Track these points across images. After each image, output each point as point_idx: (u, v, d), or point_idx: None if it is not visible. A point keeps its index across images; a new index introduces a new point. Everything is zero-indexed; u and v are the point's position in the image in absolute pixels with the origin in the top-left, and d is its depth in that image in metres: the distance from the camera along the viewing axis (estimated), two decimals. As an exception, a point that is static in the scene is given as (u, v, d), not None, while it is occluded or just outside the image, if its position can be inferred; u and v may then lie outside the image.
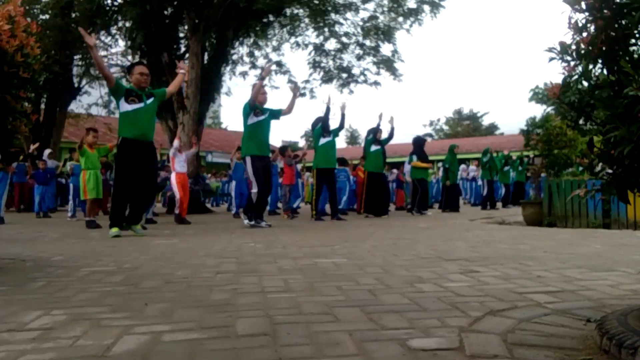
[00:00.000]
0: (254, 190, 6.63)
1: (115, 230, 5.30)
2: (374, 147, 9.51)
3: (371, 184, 9.43)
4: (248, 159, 6.65)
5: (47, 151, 12.22)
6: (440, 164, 22.37)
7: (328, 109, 8.58)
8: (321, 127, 8.56)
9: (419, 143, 11.06)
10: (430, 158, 11.62)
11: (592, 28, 1.58)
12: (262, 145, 6.73)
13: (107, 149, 7.58)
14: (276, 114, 6.91)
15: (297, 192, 11.73)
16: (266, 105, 6.87)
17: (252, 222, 6.61)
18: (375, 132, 9.65)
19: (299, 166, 11.93)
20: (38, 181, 10.47)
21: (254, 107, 6.65)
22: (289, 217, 9.30)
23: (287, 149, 10.81)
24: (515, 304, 2.02)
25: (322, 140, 8.57)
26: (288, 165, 10.20)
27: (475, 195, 17.18)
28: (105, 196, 11.81)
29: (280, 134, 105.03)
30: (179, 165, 8.27)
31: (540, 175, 10.02)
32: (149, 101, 5.47)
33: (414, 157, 10.70)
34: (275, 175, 11.40)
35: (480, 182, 15.29)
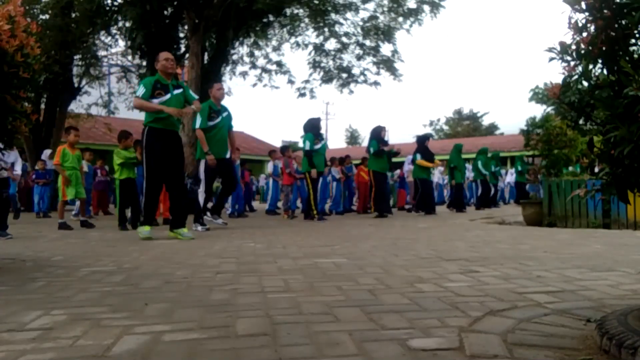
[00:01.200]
0: (202, 189, 6.37)
1: (147, 228, 5.06)
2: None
3: (379, 183, 9.44)
4: (203, 162, 6.37)
5: (47, 151, 12.21)
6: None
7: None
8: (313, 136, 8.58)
9: (422, 141, 11.03)
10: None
11: (592, 28, 1.58)
12: (219, 148, 6.40)
13: (80, 156, 7.34)
14: (230, 119, 6.64)
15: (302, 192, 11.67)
16: (224, 103, 6.63)
17: (206, 227, 6.15)
18: (378, 132, 9.63)
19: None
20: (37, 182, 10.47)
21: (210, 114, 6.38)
22: (289, 217, 9.31)
23: (288, 149, 10.79)
24: (515, 304, 2.02)
25: (316, 146, 8.61)
26: (286, 165, 10.16)
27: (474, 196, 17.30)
28: (106, 197, 11.84)
29: (280, 134, 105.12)
30: None
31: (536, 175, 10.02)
32: (176, 92, 5.25)
33: (418, 156, 10.66)
34: (275, 176, 11.41)
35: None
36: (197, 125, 6.30)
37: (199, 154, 6.49)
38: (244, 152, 16.39)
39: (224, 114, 6.49)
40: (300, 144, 9.41)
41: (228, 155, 6.58)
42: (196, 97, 5.62)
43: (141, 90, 5.17)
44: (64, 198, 6.93)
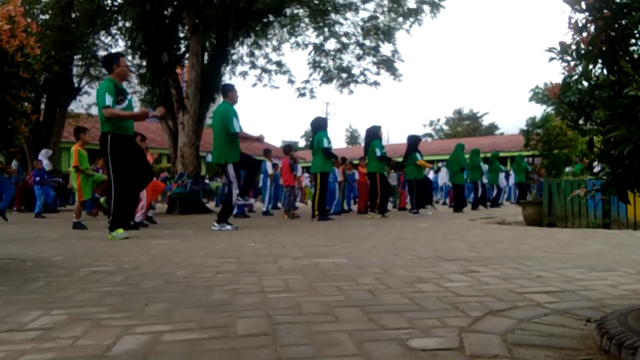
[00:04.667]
0: (236, 191, 6.41)
1: (120, 231, 5.13)
2: (384, 148, 9.45)
3: (384, 184, 9.43)
4: (231, 165, 6.35)
5: (49, 151, 12.20)
6: (440, 164, 22.29)
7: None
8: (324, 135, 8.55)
9: (415, 141, 10.95)
10: (432, 158, 11.59)
11: (592, 28, 1.58)
12: (238, 149, 6.51)
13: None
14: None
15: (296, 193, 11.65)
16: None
17: (235, 226, 6.42)
18: (376, 133, 9.60)
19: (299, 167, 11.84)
20: (36, 181, 10.48)
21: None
22: (289, 217, 9.30)
23: (291, 149, 10.73)
24: (515, 304, 2.02)
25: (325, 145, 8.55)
26: (290, 166, 10.10)
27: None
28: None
29: (280, 134, 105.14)
30: None
31: (535, 175, 10.02)
32: (129, 97, 5.49)
33: (418, 155, 10.54)
34: (266, 175, 11.37)
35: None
36: (237, 129, 6.31)
37: (229, 157, 6.40)
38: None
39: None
40: (300, 144, 9.37)
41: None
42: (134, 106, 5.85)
43: (109, 99, 5.10)
44: (80, 199, 7.01)
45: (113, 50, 15.21)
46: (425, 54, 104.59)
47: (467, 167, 12.25)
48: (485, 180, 13.67)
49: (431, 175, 18.37)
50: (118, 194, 5.22)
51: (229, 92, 6.63)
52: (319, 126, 8.78)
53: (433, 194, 14.07)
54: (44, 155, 11.77)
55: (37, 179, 10.52)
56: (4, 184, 8.14)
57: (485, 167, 14.16)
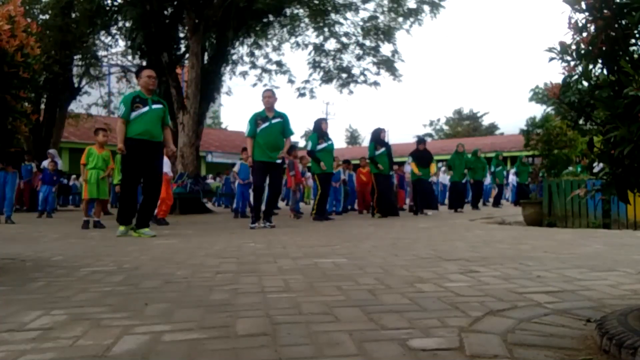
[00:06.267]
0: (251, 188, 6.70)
1: (122, 228, 5.49)
2: (379, 150, 9.46)
3: (381, 185, 9.42)
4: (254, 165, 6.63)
5: (54, 151, 12.22)
6: (440, 165, 22.28)
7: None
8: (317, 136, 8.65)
9: (417, 143, 11.02)
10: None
11: (592, 28, 1.58)
12: (265, 152, 6.55)
13: (109, 156, 7.40)
14: (282, 126, 6.70)
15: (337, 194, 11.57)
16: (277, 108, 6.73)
17: (272, 224, 6.66)
18: (377, 135, 9.61)
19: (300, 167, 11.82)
20: (44, 181, 10.49)
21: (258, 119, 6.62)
22: (293, 218, 9.30)
23: (295, 150, 10.73)
24: (515, 304, 2.02)
25: (320, 146, 8.58)
26: (290, 167, 10.09)
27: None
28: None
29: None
30: (166, 166, 7.96)
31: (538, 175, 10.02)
32: (155, 106, 5.51)
33: (410, 158, 10.73)
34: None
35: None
36: (246, 134, 6.64)
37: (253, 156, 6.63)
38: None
39: (274, 121, 6.60)
40: (300, 144, 9.45)
41: (279, 161, 6.72)
42: (169, 122, 5.83)
43: (121, 110, 5.46)
44: (84, 197, 7.13)
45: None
46: (425, 54, 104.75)
47: (454, 166, 12.33)
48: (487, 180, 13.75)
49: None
50: (123, 193, 5.64)
51: (262, 96, 6.85)
52: (313, 129, 8.99)
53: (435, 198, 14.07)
54: (57, 156, 11.78)
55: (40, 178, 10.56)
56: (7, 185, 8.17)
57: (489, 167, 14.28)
